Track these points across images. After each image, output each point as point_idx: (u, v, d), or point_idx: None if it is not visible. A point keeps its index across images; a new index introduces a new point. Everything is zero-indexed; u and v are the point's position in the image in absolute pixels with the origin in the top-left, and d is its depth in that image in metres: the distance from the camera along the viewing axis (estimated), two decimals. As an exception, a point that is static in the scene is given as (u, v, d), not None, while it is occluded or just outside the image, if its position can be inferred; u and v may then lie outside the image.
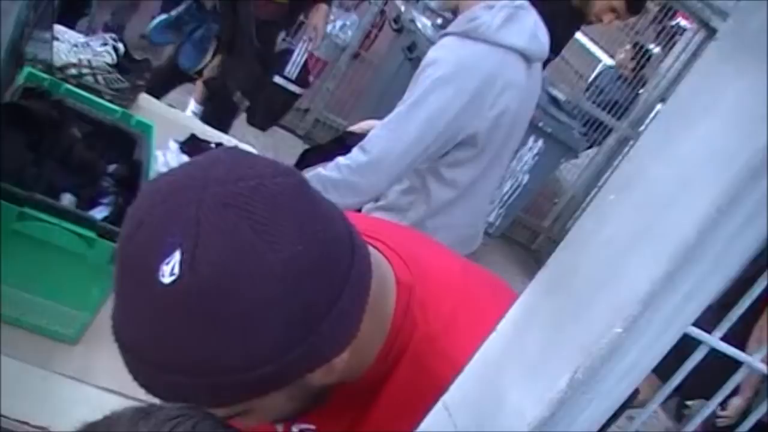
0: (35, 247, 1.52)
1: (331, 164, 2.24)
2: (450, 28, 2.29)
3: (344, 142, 2.66)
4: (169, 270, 0.73)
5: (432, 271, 1.00)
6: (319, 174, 2.23)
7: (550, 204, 7.00)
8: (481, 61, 2.20)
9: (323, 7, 4.40)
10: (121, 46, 2.82)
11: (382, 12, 6.32)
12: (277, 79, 4.11)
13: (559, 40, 4.60)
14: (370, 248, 0.92)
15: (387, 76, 5.45)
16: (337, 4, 5.93)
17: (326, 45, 5.92)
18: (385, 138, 2.20)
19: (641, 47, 7.11)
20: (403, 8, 5.86)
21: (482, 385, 0.53)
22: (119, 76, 2.77)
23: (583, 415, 0.48)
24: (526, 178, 5.72)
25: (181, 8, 3.94)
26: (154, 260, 0.74)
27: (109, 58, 2.75)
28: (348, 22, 5.98)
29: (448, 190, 2.36)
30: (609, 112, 6.57)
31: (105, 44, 2.78)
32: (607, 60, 8.06)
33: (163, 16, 3.98)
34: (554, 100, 5.98)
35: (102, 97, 2.71)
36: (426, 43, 4.71)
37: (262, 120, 4.29)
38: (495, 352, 0.53)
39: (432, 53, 2.24)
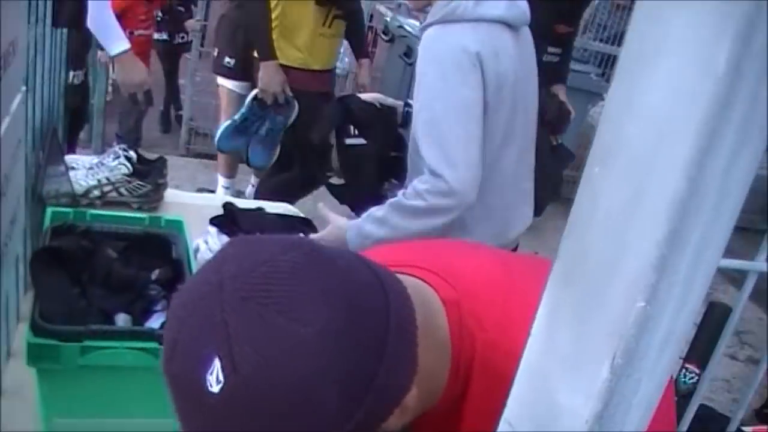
0: (106, 374, 1.55)
1: (409, 191, 2.21)
2: (428, 20, 2.28)
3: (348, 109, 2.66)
4: (214, 379, 0.74)
5: (473, 277, 1.00)
6: (402, 203, 2.22)
7: (593, 152, 6.91)
8: (469, 39, 2.20)
9: (365, 62, 4.51)
10: (132, 153, 2.87)
11: (370, 28, 6.34)
12: (349, 141, 4.16)
13: (577, 12, 4.60)
14: (405, 277, 0.92)
15: (394, 87, 5.46)
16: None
17: (327, 78, 5.95)
18: (441, 156, 2.15)
19: None
20: (388, 18, 5.88)
21: (533, 393, 0.52)
22: (139, 182, 2.82)
23: (636, 397, 0.47)
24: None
25: (244, 109, 4.01)
26: (198, 374, 0.75)
27: (125, 168, 2.80)
28: (340, 49, 5.99)
29: None
30: (619, 44, 6.51)
31: (117, 157, 2.83)
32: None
33: (227, 122, 4.05)
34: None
35: (130, 207, 2.78)
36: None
37: (365, 189, 4.19)
38: (534, 357, 0.53)
39: (423, 51, 2.24)
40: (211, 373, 0.74)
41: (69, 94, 3.42)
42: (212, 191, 5.04)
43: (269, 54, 3.91)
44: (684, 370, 3.33)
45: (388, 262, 0.91)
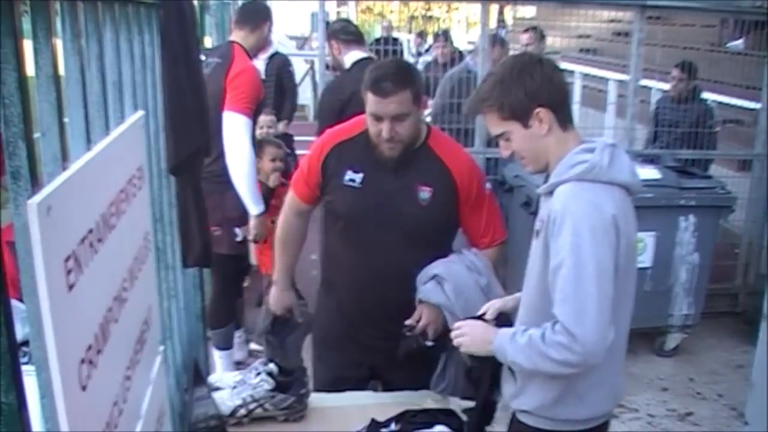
0: None
1: (548, 336, 2.23)
2: (562, 177, 2.31)
3: None
4: None
5: None
6: (539, 346, 2.24)
7: (732, 258, 6.73)
8: (606, 200, 2.26)
9: None
10: (272, 367, 2.95)
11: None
12: None
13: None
14: None
15: (519, 235, 5.46)
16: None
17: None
18: (575, 315, 2.19)
19: (689, 64, 7.13)
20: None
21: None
22: (282, 395, 2.89)
23: None
24: (696, 257, 5.56)
25: None
26: None
27: (267, 384, 2.89)
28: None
29: None
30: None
31: (259, 373, 2.92)
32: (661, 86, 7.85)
33: None
34: (683, 171, 5.87)
35: (277, 420, 2.86)
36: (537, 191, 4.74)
37: None
38: None
39: (558, 206, 2.26)
40: None
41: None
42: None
43: None
44: None
45: None
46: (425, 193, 3.03)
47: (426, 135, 3.09)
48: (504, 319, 2.59)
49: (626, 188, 2.36)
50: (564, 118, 2.40)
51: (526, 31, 7.59)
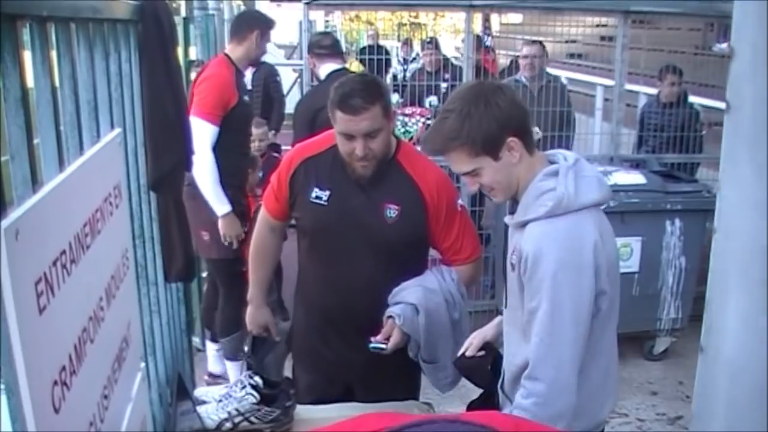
0: None
1: (517, 406, 2.22)
2: (526, 210, 2.25)
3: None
4: None
5: None
6: (524, 413, 2.19)
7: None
8: (580, 233, 2.20)
9: None
10: (258, 379, 2.95)
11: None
12: None
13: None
14: None
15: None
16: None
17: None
18: (548, 357, 2.18)
19: (674, 67, 7.08)
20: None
21: None
22: (268, 408, 2.88)
23: None
24: (684, 260, 5.57)
25: None
26: None
27: (252, 398, 2.88)
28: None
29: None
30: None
31: (244, 387, 2.91)
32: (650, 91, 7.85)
33: None
34: (669, 175, 5.89)
35: (262, 432, 2.85)
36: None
37: None
38: None
39: (531, 247, 2.19)
40: None
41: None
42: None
43: None
44: None
45: None
46: (392, 210, 2.96)
47: (395, 150, 3.01)
48: (489, 348, 2.60)
49: (599, 204, 2.30)
50: (530, 142, 2.32)
51: (528, 43, 7.14)
